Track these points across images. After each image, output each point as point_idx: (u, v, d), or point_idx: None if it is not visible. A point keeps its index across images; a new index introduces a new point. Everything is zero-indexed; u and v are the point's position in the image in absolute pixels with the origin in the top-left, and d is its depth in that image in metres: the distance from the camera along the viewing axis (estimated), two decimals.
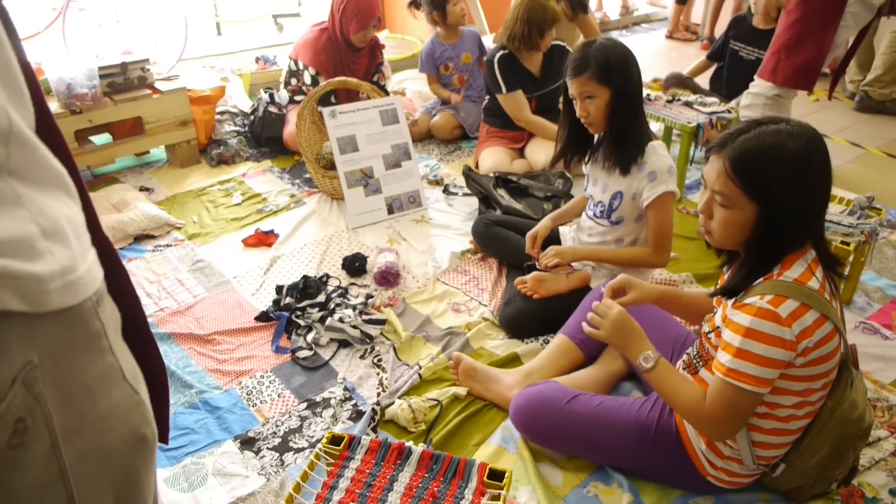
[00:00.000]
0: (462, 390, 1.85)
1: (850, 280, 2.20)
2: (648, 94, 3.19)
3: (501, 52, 2.96)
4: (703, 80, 3.74)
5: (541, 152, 2.99)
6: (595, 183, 2.07)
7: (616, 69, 1.87)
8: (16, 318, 0.50)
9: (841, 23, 2.20)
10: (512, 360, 2.00)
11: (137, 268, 2.50)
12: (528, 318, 2.09)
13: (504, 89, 2.97)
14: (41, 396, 0.53)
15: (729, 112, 3.05)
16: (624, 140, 1.95)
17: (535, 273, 2.15)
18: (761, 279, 1.28)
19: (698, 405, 1.32)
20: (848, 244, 1.99)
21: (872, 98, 3.85)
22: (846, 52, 2.75)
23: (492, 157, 3.04)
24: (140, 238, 2.68)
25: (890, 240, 2.57)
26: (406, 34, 4.83)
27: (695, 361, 1.43)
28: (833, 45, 2.27)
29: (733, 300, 1.32)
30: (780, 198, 1.22)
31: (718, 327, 1.33)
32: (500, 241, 2.39)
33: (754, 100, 2.37)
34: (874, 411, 1.77)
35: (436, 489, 1.34)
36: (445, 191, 3.01)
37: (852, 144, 3.48)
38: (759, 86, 2.39)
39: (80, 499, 0.58)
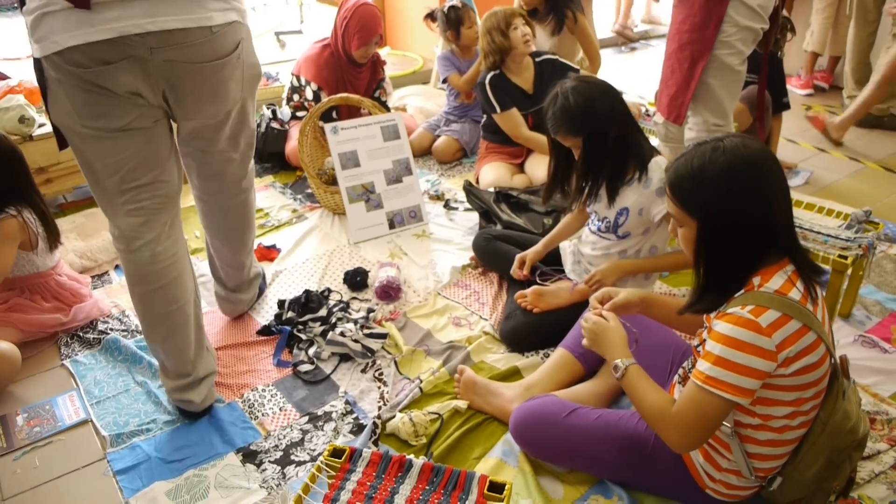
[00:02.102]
0: (463, 404, 1.86)
1: (849, 294, 2.21)
2: (648, 110, 3.22)
3: (492, 74, 3.01)
4: None
5: (541, 167, 3.01)
6: (599, 199, 2.09)
7: (580, 118, 1.89)
8: (241, 25, 1.67)
9: (723, 50, 2.20)
10: (512, 374, 2.01)
11: None
12: (528, 332, 2.10)
13: (498, 109, 3.01)
14: (244, 49, 1.70)
15: None
16: (618, 173, 1.97)
17: (535, 287, 2.16)
18: (742, 291, 1.31)
19: (664, 411, 1.34)
20: (846, 258, 2.00)
21: (870, 113, 3.87)
22: (761, 79, 2.78)
23: (492, 173, 3.07)
24: None
25: (888, 253, 2.59)
26: (408, 51, 4.88)
27: (689, 374, 1.44)
28: (732, 72, 2.25)
29: (716, 312, 1.34)
30: (711, 210, 1.28)
31: (705, 340, 1.35)
32: (500, 255, 2.41)
33: (697, 134, 2.40)
34: (874, 424, 1.78)
35: (436, 501, 1.35)
36: (446, 206, 3.03)
37: (850, 159, 3.50)
38: (657, 118, 2.42)
39: (246, 94, 1.80)
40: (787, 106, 3.32)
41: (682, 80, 2.30)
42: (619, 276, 2.05)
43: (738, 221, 1.27)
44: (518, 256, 2.25)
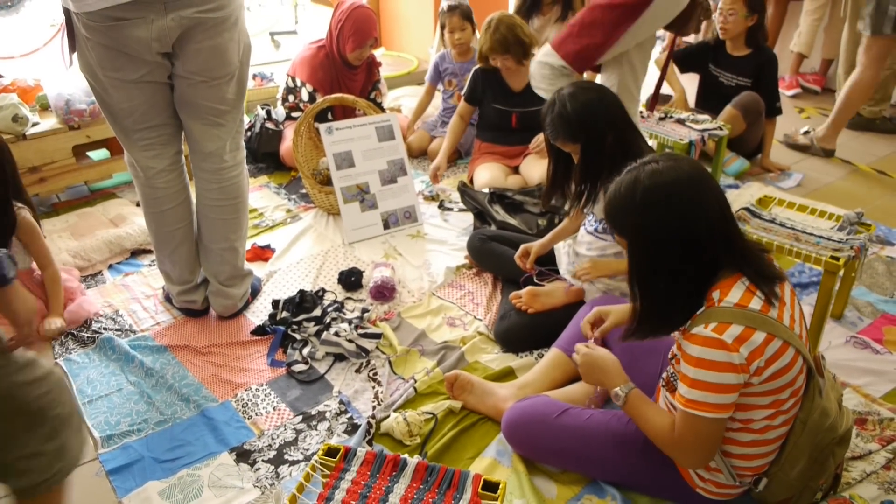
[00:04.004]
0: (457, 403, 1.86)
1: (841, 295, 2.23)
2: (641, 112, 3.22)
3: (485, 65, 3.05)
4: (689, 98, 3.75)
5: (536, 168, 3.02)
6: (598, 201, 2.09)
7: (578, 125, 1.91)
8: None
9: (644, 15, 2.17)
10: (507, 374, 2.01)
11: (134, 282, 2.51)
12: (522, 333, 2.11)
13: (465, 96, 3.14)
14: (241, 17, 1.95)
15: (720, 129, 3.09)
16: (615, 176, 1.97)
17: (529, 287, 2.17)
18: (703, 307, 1.33)
19: (668, 434, 1.37)
20: (838, 259, 2.02)
21: (862, 116, 3.89)
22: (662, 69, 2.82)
23: (486, 173, 3.07)
24: (137, 253, 2.70)
25: (880, 255, 2.61)
26: (402, 52, 4.88)
27: (672, 380, 1.44)
28: (630, 35, 2.24)
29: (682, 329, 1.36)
30: (640, 232, 1.32)
31: (677, 355, 1.37)
32: (494, 255, 2.42)
33: (541, 69, 2.35)
34: (865, 425, 1.79)
35: (430, 500, 1.35)
36: (441, 206, 3.03)
37: (843, 161, 3.52)
38: (549, 54, 2.37)
39: (242, 63, 2.01)
40: (779, 111, 3.33)
41: (602, 36, 2.25)
42: (608, 273, 2.06)
43: (665, 239, 1.30)
44: (523, 246, 2.25)
